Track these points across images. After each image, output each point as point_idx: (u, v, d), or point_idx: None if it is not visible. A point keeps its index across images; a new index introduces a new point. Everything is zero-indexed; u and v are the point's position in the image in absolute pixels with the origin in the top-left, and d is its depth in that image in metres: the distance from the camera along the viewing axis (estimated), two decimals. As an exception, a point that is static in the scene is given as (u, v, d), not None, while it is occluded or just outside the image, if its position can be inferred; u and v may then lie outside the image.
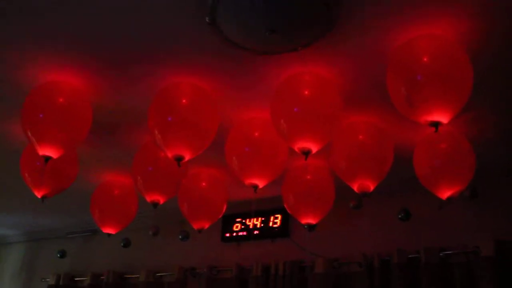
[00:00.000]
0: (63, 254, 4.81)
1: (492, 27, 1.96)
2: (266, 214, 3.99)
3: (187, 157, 2.34)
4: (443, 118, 1.97)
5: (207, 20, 1.92)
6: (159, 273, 4.31)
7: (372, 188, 2.61)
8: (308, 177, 3.08)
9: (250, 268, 3.80)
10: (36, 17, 1.99)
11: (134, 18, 1.97)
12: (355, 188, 2.61)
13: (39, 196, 2.84)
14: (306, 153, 2.20)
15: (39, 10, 1.95)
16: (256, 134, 2.62)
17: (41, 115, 2.35)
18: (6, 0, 1.90)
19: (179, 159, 2.31)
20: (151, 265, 4.37)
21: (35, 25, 2.05)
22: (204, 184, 3.31)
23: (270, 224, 3.95)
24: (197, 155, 2.41)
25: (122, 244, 4.27)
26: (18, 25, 2.05)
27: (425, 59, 2.00)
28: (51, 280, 4.86)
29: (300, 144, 2.20)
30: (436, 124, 1.97)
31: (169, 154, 2.31)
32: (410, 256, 3.21)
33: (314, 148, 2.21)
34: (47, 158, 2.35)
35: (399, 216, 3.30)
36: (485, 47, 2.08)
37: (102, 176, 3.59)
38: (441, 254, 3.13)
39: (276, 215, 3.94)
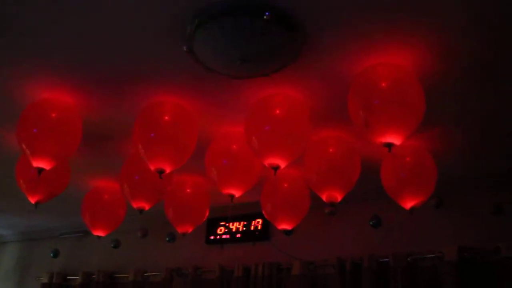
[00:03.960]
0: (56, 254, 4.95)
1: (447, 51, 2.13)
2: (248, 219, 4.19)
3: (168, 170, 2.52)
4: (396, 140, 2.16)
5: (184, 49, 2.12)
6: (146, 273, 4.48)
7: (339, 198, 2.80)
8: (285, 185, 3.27)
9: (232, 269, 4.01)
10: (33, 38, 2.16)
11: (121, 43, 2.16)
12: (323, 198, 2.81)
13: (33, 202, 3.02)
14: (275, 168, 2.40)
15: (35, 33, 2.12)
16: (233, 147, 2.81)
17: (35, 130, 2.53)
18: (2, 20, 2.05)
19: (160, 172, 2.50)
20: (139, 265, 4.53)
21: (31, 45, 2.22)
22: (188, 190, 3.49)
23: (252, 228, 4.16)
24: (178, 167, 2.61)
25: (112, 245, 4.47)
26: (15, 45, 2.21)
27: (381, 85, 2.19)
28: (45, 279, 4.98)
29: (270, 160, 2.39)
30: (389, 145, 2.17)
31: (152, 167, 2.50)
32: (380, 260, 3.42)
33: (282, 164, 2.40)
34: (41, 170, 2.54)
35: (371, 223, 3.53)
36: (442, 71, 2.26)
37: (92, 182, 3.78)
38: (408, 259, 3.34)
39: (258, 220, 4.14)
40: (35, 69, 2.39)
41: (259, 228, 4.13)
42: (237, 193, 2.78)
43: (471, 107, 2.61)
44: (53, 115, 2.57)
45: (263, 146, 2.42)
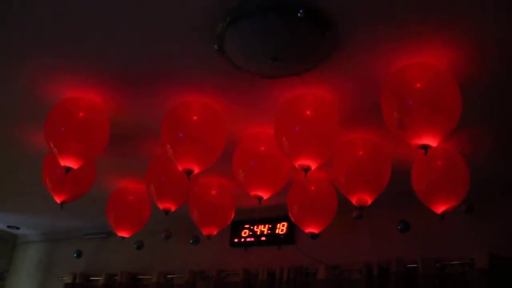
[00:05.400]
0: (79, 254, 4.95)
1: (481, 54, 2.10)
2: (273, 222, 4.15)
3: (196, 170, 2.50)
4: (432, 141, 2.11)
5: (215, 47, 2.09)
6: (170, 275, 4.46)
7: (370, 201, 2.75)
8: (312, 188, 3.23)
9: (257, 273, 3.96)
10: (61, 37, 2.15)
11: (151, 42, 2.15)
12: (353, 201, 2.76)
13: (58, 202, 3.01)
14: (306, 169, 2.35)
15: (64, 31, 2.11)
16: (261, 148, 2.77)
17: (63, 129, 2.52)
18: (30, 19, 2.05)
19: (189, 172, 2.48)
20: (162, 267, 4.52)
21: (58, 46, 2.21)
22: (213, 192, 3.47)
23: (277, 231, 4.11)
24: (206, 168, 2.58)
25: (135, 246, 4.45)
26: (42, 44, 2.21)
27: (417, 86, 2.14)
28: (68, 279, 5.00)
29: (301, 162, 2.35)
30: (425, 147, 2.11)
31: (180, 168, 2.48)
32: (408, 265, 3.35)
33: (313, 165, 2.36)
34: (68, 169, 2.53)
35: (399, 227, 3.45)
36: (477, 72, 2.22)
37: (117, 183, 3.78)
38: (437, 265, 3.26)
39: (283, 223, 4.10)
40: (61, 68, 2.39)
41: (284, 231, 4.07)
42: (265, 195, 2.75)
43: (504, 110, 2.55)
44: (81, 114, 2.57)
45: (293, 147, 2.38)
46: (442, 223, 2.99)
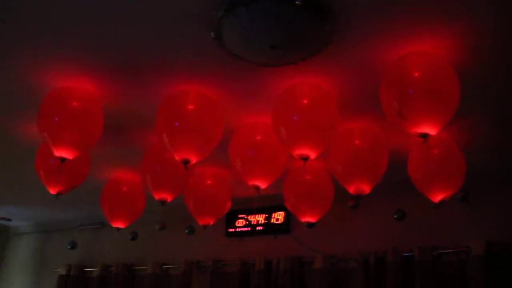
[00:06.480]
0: (73, 246, 4.93)
1: (477, 44, 2.08)
2: (269, 211, 4.14)
3: (193, 160, 2.47)
4: (431, 130, 2.09)
5: (212, 36, 2.06)
6: (165, 265, 4.46)
7: (367, 191, 2.74)
8: (308, 177, 3.21)
9: (253, 263, 3.96)
10: (53, 25, 2.11)
11: (146, 29, 2.10)
12: (351, 190, 2.75)
13: (53, 193, 2.97)
14: (305, 159, 2.34)
15: (56, 19, 2.07)
16: (258, 137, 2.75)
17: (56, 119, 2.48)
18: (22, 8, 2.00)
19: (186, 162, 2.45)
20: (158, 258, 4.51)
21: (51, 33, 2.17)
22: (209, 182, 3.44)
23: (273, 220, 4.10)
24: (203, 158, 2.55)
25: (130, 237, 4.43)
26: (34, 32, 2.16)
27: (416, 75, 2.13)
28: (62, 271, 4.99)
29: (299, 151, 2.33)
30: (424, 136, 2.10)
31: (177, 158, 2.45)
32: (404, 254, 3.36)
33: (312, 155, 2.34)
34: (63, 159, 2.50)
35: (395, 216, 3.46)
36: (474, 62, 2.21)
37: (111, 173, 3.73)
38: (434, 253, 3.28)
39: (279, 212, 4.09)
40: (54, 56, 2.34)
41: (280, 221, 4.07)
42: (262, 185, 2.73)
43: (500, 99, 2.55)
44: (75, 104, 2.53)
45: (292, 136, 2.36)
46: (438, 212, 3.01)
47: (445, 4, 1.87)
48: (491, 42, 2.08)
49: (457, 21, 1.96)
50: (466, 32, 2.02)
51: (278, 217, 4.09)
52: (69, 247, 4.92)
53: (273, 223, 4.10)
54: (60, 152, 2.49)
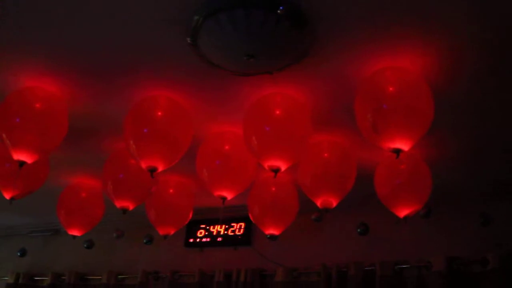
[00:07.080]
0: (23, 253, 4.74)
1: (453, 61, 2.11)
2: (229, 222, 4.07)
3: (160, 168, 2.40)
4: (404, 146, 2.10)
5: (188, 41, 2.01)
6: (121, 275, 4.32)
7: (334, 204, 2.74)
8: (273, 189, 3.18)
9: (213, 274, 3.88)
10: (15, 24, 2.02)
11: (116, 31, 2.03)
12: (318, 203, 2.73)
13: (7, 198, 2.84)
14: (275, 170, 2.30)
15: (19, 18, 1.98)
16: (227, 147, 2.70)
17: (17, 120, 2.36)
18: None
19: (153, 170, 2.38)
20: (114, 267, 4.37)
21: (13, 32, 2.07)
22: (171, 191, 3.37)
23: (233, 232, 4.04)
24: (170, 166, 2.48)
25: (85, 246, 4.28)
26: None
27: (391, 90, 2.13)
28: (10, 279, 4.75)
29: (270, 162, 2.30)
30: (397, 151, 2.10)
31: (143, 165, 2.37)
32: (366, 268, 3.35)
33: (283, 166, 2.31)
34: (22, 163, 2.38)
35: (358, 230, 3.46)
36: (447, 79, 2.23)
37: (70, 178, 3.60)
38: (395, 268, 3.29)
39: (240, 223, 4.03)
40: (18, 55, 2.24)
41: (241, 232, 4.01)
42: (229, 196, 2.68)
43: (471, 118, 2.59)
44: (38, 105, 2.42)
45: (263, 147, 2.32)
46: (401, 226, 3.01)
47: (422, 19, 1.88)
48: (467, 57, 2.09)
49: (433, 36, 1.97)
50: (442, 47, 2.03)
51: (239, 228, 4.04)
52: (18, 254, 4.72)
53: (233, 235, 4.04)
54: (19, 156, 2.37)
